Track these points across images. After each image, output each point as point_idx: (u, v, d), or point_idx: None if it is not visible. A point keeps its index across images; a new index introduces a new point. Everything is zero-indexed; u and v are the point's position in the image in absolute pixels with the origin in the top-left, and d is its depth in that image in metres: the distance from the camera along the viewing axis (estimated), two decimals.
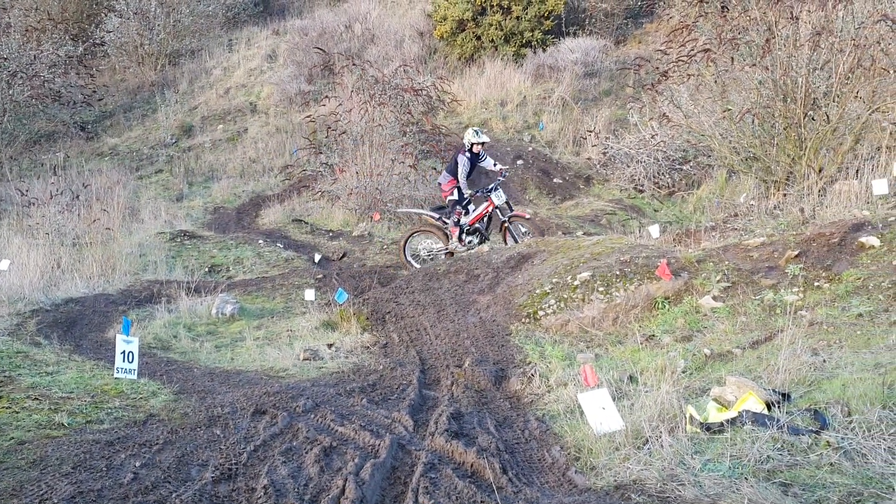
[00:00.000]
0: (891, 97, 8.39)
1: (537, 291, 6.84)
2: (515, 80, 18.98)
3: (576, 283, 6.71)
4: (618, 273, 6.66)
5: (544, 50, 19.47)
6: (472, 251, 9.86)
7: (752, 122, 9.46)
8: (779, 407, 3.57)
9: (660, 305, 6.34)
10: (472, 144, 10.12)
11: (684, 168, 14.42)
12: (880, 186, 6.75)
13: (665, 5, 18.77)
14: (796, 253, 6.20)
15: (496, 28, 19.35)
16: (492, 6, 19.33)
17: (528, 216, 10.58)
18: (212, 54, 21.50)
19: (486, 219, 10.41)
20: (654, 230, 8.23)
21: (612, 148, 15.82)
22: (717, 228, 8.73)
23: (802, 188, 8.58)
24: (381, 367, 5.71)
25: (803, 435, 3.26)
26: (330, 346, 6.41)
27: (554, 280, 6.91)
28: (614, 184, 15.61)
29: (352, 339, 6.67)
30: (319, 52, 17.26)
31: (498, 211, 10.16)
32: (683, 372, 4.93)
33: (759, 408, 3.56)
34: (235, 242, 11.52)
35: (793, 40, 8.66)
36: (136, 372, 5.11)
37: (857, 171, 8.30)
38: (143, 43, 20.59)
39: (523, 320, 6.57)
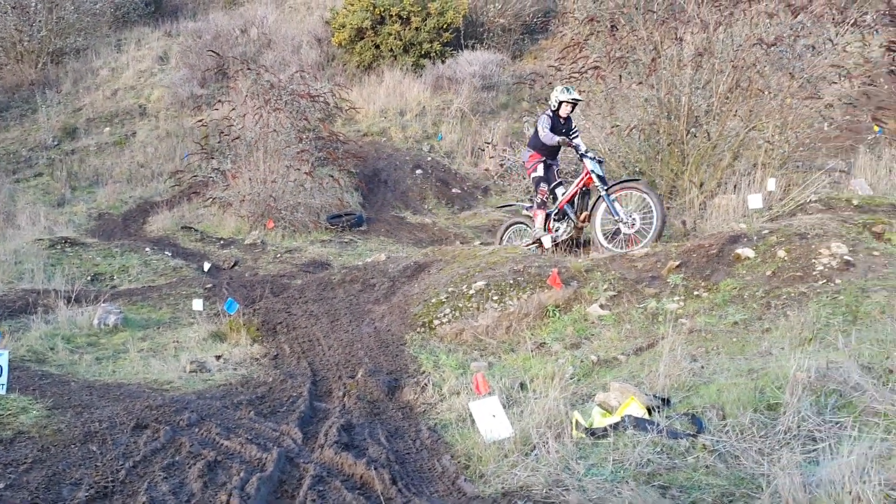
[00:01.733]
0: (766, 116, 8.89)
1: (433, 301, 6.86)
2: (415, 90, 19.06)
3: (471, 292, 6.77)
4: (511, 282, 6.75)
5: (443, 61, 19.64)
6: (564, 240, 8.22)
7: (639, 137, 9.82)
8: (659, 412, 3.70)
9: (551, 313, 6.47)
10: (561, 103, 8.08)
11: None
12: (755, 201, 7.12)
13: (559, 23, 19.29)
14: (678, 263, 6.46)
15: (395, 38, 19.39)
16: (391, 16, 19.36)
17: (638, 181, 8.07)
18: (99, 54, 20.60)
19: (578, 198, 8.20)
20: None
21: (509, 160, 16.11)
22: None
23: (685, 202, 8.97)
24: (271, 378, 5.59)
25: (681, 438, 3.38)
26: (218, 357, 6.23)
27: (450, 289, 6.95)
28: (511, 194, 15.88)
29: (241, 350, 6.50)
30: (213, 55, 16.84)
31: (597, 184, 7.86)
32: (571, 378, 5.06)
33: (641, 413, 3.68)
34: (121, 250, 11.06)
35: (677, 60, 9.06)
36: (4, 387, 4.81)
37: (735, 185, 8.71)
38: (23, 39, 19.53)
39: (418, 329, 6.57)
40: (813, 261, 5.81)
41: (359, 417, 4.70)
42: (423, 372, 5.57)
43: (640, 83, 9.26)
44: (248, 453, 3.84)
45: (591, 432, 3.67)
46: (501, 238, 9.19)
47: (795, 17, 8.57)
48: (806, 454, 3.13)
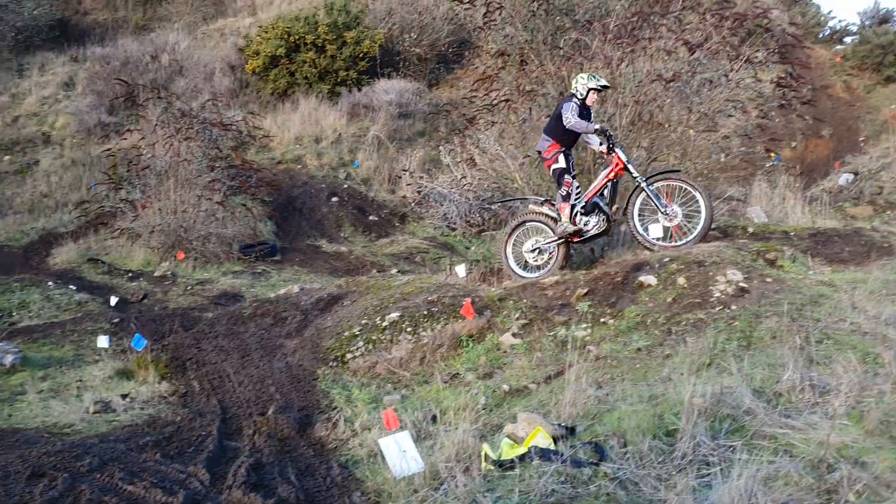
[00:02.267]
0: (667, 148, 9.27)
1: (346, 334, 6.85)
2: (330, 118, 19.07)
3: (384, 324, 6.79)
4: (426, 313, 6.81)
5: (359, 89, 19.73)
6: (594, 237, 7.83)
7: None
8: (564, 441, 3.80)
9: (464, 344, 6.55)
10: (589, 91, 7.71)
11: (493, 208, 15.05)
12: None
13: (472, 54, 19.66)
14: (585, 291, 6.65)
15: (310, 66, 19.39)
16: (306, 44, 19.36)
17: (678, 171, 7.83)
18: None
19: (608, 190, 7.84)
20: (461, 270, 8.51)
21: (425, 187, 16.26)
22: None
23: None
24: (179, 417, 5.46)
25: (584, 467, 3.49)
26: (124, 396, 6.05)
27: (363, 321, 6.96)
28: (428, 222, 16.03)
29: (149, 388, 6.33)
30: (121, 82, 16.45)
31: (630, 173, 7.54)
32: (484, 409, 5.13)
33: (547, 443, 3.78)
34: (21, 284, 10.61)
35: None
36: None
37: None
38: None
39: (331, 364, 6.54)
40: (710, 287, 6.08)
41: (269, 456, 4.64)
42: (336, 407, 5.55)
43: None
44: (153, 498, 3.75)
45: (500, 464, 3.74)
46: (508, 239, 8.27)
47: (692, 54, 8.99)
48: (700, 478, 3.27)
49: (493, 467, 3.73)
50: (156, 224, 12.57)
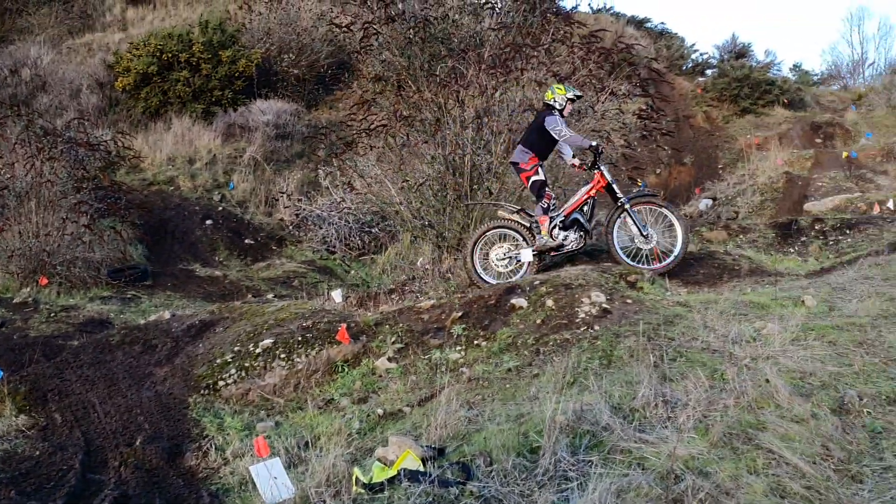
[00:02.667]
0: None
1: (218, 361, 6.72)
2: (205, 138, 18.64)
3: (258, 350, 6.71)
4: (300, 339, 6.78)
5: (235, 109, 19.40)
6: (569, 252, 7.90)
7: (429, 191, 10.28)
8: (433, 462, 3.90)
9: (340, 369, 6.56)
10: (567, 101, 7.88)
11: (373, 231, 15.14)
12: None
13: (351, 77, 19.76)
14: (460, 314, 6.82)
15: (184, 84, 18.92)
16: (179, 62, 18.89)
17: (657, 195, 8.12)
18: None
19: (588, 206, 7.97)
20: (337, 295, 8.53)
21: (304, 210, 16.14)
22: (397, 291, 9.29)
23: None
24: (38, 452, 5.21)
25: (452, 487, 3.59)
26: None
27: (236, 348, 6.85)
28: (307, 245, 15.89)
29: (5, 422, 5.98)
30: None
31: (613, 192, 7.74)
32: (358, 433, 5.18)
33: (416, 464, 3.86)
34: None
35: (459, 121, 9.63)
36: None
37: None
38: None
39: (203, 392, 6.40)
40: (576, 309, 6.37)
41: (136, 488, 4.51)
42: (207, 436, 5.45)
43: (426, 142, 9.73)
44: None
45: (370, 487, 3.79)
46: (476, 245, 8.16)
47: None
48: (560, 493, 3.44)
49: (363, 491, 3.78)
50: (15, 248, 11.88)
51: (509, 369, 5.71)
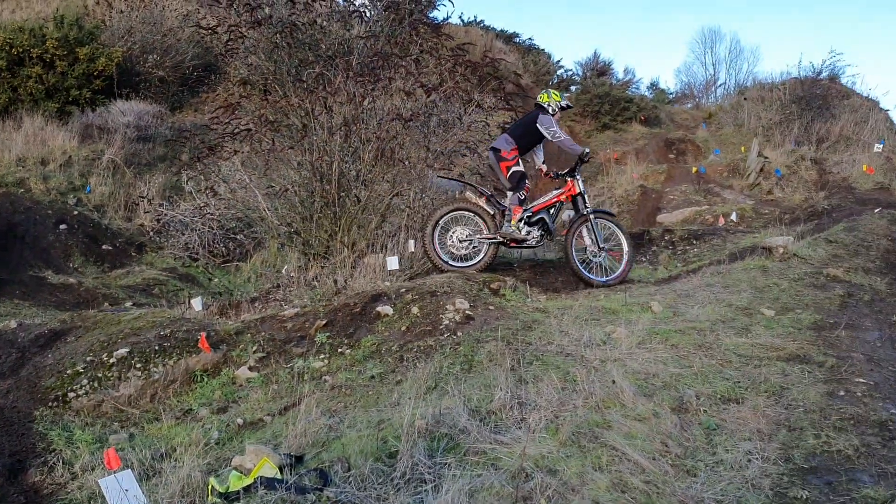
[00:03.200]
0: (407, 184, 9.76)
1: (69, 372, 6.39)
2: (60, 139, 17.60)
3: (112, 360, 6.44)
4: (157, 348, 6.56)
5: (93, 109, 18.48)
6: (528, 247, 8.23)
7: (295, 198, 10.17)
8: (291, 470, 3.88)
9: (199, 378, 6.39)
10: (559, 108, 8.44)
11: (238, 238, 14.78)
12: (392, 263, 7.76)
13: (218, 80, 19.27)
14: (325, 322, 6.80)
15: (36, 81, 17.85)
16: (31, 58, 17.81)
17: (614, 214, 8.75)
18: None
19: (555, 209, 8.40)
20: (197, 303, 8.29)
21: (166, 215, 15.55)
22: (261, 299, 9.14)
23: (337, 261, 9.45)
24: None
25: (309, 493, 3.59)
26: None
27: (88, 358, 6.54)
28: (168, 252, 15.29)
29: None
30: None
31: (578, 201, 8.26)
32: (217, 443, 5.07)
33: (273, 472, 3.83)
34: None
35: (327, 128, 9.60)
36: None
37: (383, 246, 9.40)
38: None
39: (51, 404, 6.06)
40: (441, 316, 6.50)
41: None
42: (53, 450, 5.17)
43: (292, 147, 9.63)
44: None
45: (226, 497, 3.73)
46: (435, 225, 8.13)
47: (429, 96, 9.59)
48: (415, 495, 3.51)
49: (219, 501, 3.71)
50: None
51: (373, 376, 5.74)
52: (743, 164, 20.57)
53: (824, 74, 24.93)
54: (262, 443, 4.52)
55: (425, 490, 3.53)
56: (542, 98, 8.56)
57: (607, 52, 66.68)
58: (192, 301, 8.21)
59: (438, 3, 12.17)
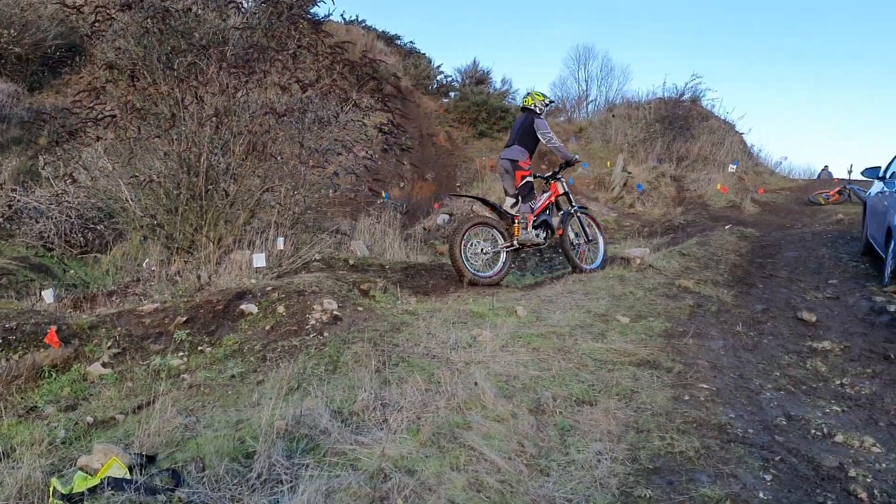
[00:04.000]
0: (279, 180, 9.59)
1: None
2: None
3: None
4: (1, 341, 6.14)
5: None
6: (538, 247, 9.16)
7: (160, 189, 9.78)
8: (141, 470, 3.74)
9: (47, 374, 6.03)
10: (545, 105, 9.22)
11: (98, 228, 14.04)
12: (259, 260, 7.61)
13: (83, 61, 18.28)
14: (185, 319, 6.58)
15: None
16: None
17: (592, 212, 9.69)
18: None
19: (549, 210, 9.08)
20: (49, 295, 7.83)
21: (19, 201, 14.57)
22: (119, 293, 8.73)
23: (202, 256, 9.15)
24: None
25: (159, 494, 3.46)
26: None
27: None
28: (21, 240, 14.33)
29: None
30: None
31: (562, 201, 9.21)
32: (63, 443, 4.80)
33: (122, 473, 3.67)
34: None
35: (197, 118, 9.29)
36: None
37: (251, 242, 9.19)
38: None
39: None
40: (307, 316, 6.42)
41: None
42: None
43: (159, 136, 9.27)
44: None
45: (69, 498, 3.54)
46: (462, 241, 8.43)
47: (305, 92, 9.46)
48: (271, 496, 3.46)
49: (61, 502, 3.52)
50: None
51: (233, 375, 5.61)
52: (608, 178, 21.48)
53: (686, 96, 26.46)
54: (112, 442, 4.31)
55: (281, 491, 3.49)
56: (527, 101, 9.24)
57: (486, 61, 67.61)
58: (43, 293, 7.74)
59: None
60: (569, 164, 9.18)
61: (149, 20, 9.52)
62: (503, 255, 8.78)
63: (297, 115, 9.30)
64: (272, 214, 9.50)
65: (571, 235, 9.16)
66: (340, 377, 5.17)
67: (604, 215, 18.07)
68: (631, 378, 5.30)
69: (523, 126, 9.06)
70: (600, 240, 9.41)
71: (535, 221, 8.86)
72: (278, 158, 9.34)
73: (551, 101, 9.47)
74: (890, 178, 9.41)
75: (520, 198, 8.85)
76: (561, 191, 9.27)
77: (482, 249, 8.67)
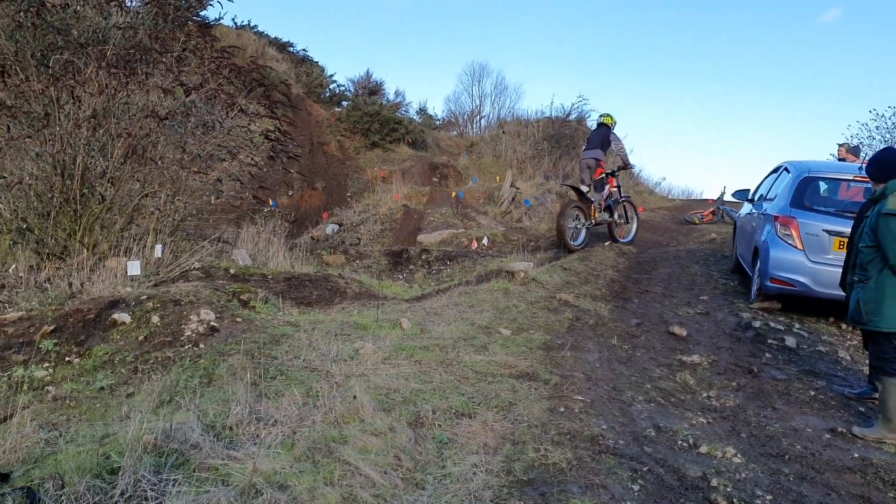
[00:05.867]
0: (159, 185, 9.26)
1: None
2: None
3: None
4: None
5: None
6: (602, 223, 12.51)
7: (30, 192, 9.26)
8: None
9: None
10: (615, 124, 12.75)
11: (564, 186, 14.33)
12: (133, 268, 7.33)
13: None
14: (53, 328, 6.26)
15: None
16: None
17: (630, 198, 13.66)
18: None
19: (610, 197, 12.49)
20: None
21: None
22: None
23: (75, 263, 8.72)
24: None
25: None
26: None
27: None
28: None
29: None
30: None
31: (616, 192, 12.71)
32: None
33: None
34: None
35: (73, 119, 8.85)
36: None
37: (128, 249, 8.84)
38: None
39: None
40: (183, 326, 6.23)
41: None
42: None
43: (30, 137, 8.79)
44: None
45: None
46: (566, 214, 11.74)
47: (188, 95, 9.19)
48: None
49: None
50: None
51: (102, 388, 5.38)
52: (498, 192, 21.86)
53: (573, 116, 27.30)
54: None
55: None
56: (608, 120, 12.69)
57: (380, 73, 67.62)
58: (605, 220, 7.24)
59: (210, 2, 11.70)
60: (626, 167, 13.28)
61: (22, 13, 9.02)
62: (584, 232, 12.08)
63: (179, 119, 9.01)
64: (151, 221, 9.16)
65: (617, 217, 12.64)
66: (215, 390, 5.04)
67: (492, 229, 18.36)
68: (510, 390, 5.40)
69: (601, 136, 12.39)
70: (635, 223, 13.25)
71: (603, 206, 12.26)
72: (159, 163, 9.02)
73: (616, 122, 12.83)
74: (758, 200, 10.01)
75: (593, 188, 12.24)
76: (616, 185, 12.62)
77: (574, 225, 11.92)
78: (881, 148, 5.48)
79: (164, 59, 9.37)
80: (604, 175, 12.39)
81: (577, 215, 11.93)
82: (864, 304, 5.26)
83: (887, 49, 78.33)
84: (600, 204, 12.21)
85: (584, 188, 12.10)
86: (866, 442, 5.10)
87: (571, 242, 11.74)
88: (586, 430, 4.79)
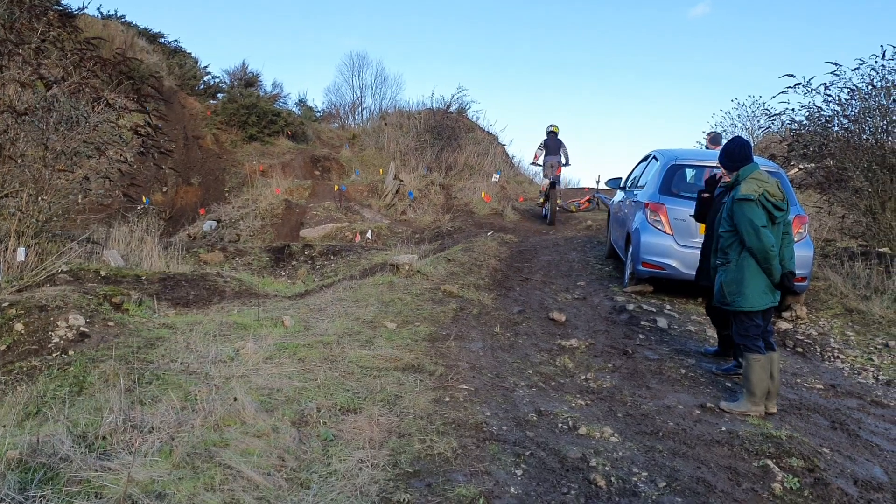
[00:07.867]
0: (20, 184, 8.71)
1: None
2: None
3: None
4: None
5: None
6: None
7: None
8: None
9: None
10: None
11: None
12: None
13: None
14: None
15: None
16: None
17: None
18: None
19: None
20: None
21: None
22: None
23: None
24: None
25: None
26: None
27: None
28: None
29: None
30: None
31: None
32: None
33: None
34: None
35: None
36: None
37: None
38: None
39: None
40: (50, 333, 5.91)
41: None
42: None
43: None
44: None
45: None
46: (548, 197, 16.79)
47: (49, 90, 8.67)
48: None
49: None
50: None
51: None
52: (381, 185, 21.83)
53: (454, 108, 27.54)
54: None
55: None
56: (555, 129, 16.44)
57: (256, 64, 65.89)
58: None
59: None
60: (567, 164, 16.51)
61: None
62: (549, 212, 16.84)
63: (40, 115, 8.49)
64: (13, 222, 8.59)
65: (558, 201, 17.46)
66: (86, 399, 4.81)
67: (376, 222, 18.34)
68: (396, 383, 5.41)
69: (557, 143, 16.28)
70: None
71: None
72: (18, 161, 8.47)
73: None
74: (629, 188, 10.42)
75: (557, 182, 16.72)
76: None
77: (549, 206, 16.76)
78: (730, 138, 5.81)
79: (20, 51, 8.79)
80: (561, 172, 16.61)
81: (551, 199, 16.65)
82: (727, 286, 5.57)
83: (751, 42, 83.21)
84: (560, 193, 17.42)
85: (547, 182, 16.42)
86: (733, 416, 5.41)
87: (547, 216, 16.97)
88: (471, 418, 4.86)
